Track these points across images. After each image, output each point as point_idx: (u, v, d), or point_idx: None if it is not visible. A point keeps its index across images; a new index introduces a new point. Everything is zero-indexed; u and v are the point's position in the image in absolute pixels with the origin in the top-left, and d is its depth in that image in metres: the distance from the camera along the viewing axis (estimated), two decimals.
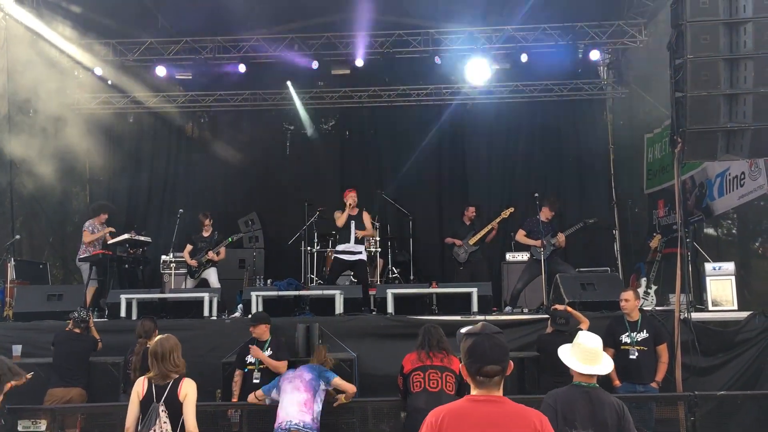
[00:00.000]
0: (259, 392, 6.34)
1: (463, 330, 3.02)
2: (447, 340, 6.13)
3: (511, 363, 2.86)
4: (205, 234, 10.55)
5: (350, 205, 9.67)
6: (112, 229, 10.45)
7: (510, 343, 7.97)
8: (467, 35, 12.04)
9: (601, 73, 13.78)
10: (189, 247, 10.41)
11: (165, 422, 4.63)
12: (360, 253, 9.71)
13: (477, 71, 12.33)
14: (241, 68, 12.42)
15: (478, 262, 10.70)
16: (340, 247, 9.79)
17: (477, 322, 8.18)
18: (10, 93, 10.83)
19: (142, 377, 4.88)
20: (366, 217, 9.78)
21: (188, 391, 4.78)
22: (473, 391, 2.88)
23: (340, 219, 9.72)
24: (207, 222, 10.60)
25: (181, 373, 4.84)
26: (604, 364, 4.21)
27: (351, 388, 6.38)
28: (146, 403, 4.71)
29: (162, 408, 4.65)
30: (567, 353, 4.26)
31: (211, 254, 10.26)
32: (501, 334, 2.91)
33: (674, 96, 7.27)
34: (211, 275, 10.32)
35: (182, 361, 4.91)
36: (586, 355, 4.17)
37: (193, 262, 10.27)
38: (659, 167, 11.75)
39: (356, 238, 9.64)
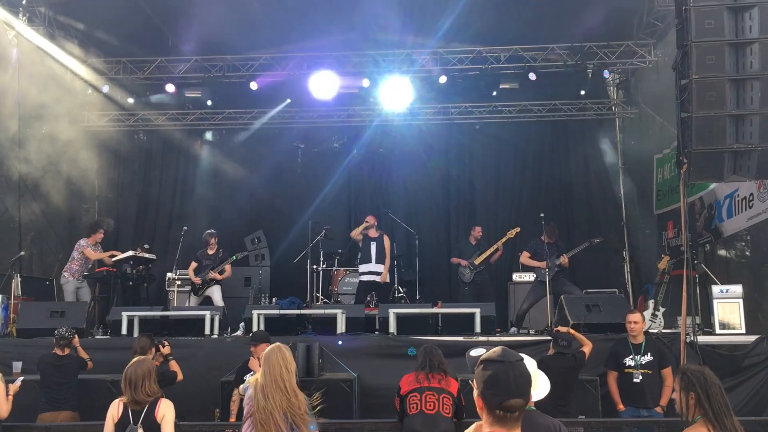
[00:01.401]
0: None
1: (474, 353, 2.74)
2: (446, 361, 6.05)
3: (532, 394, 2.53)
4: (210, 252, 10.54)
5: (364, 225, 10.37)
6: (115, 254, 10.35)
7: None
8: (475, 54, 12.04)
9: (611, 93, 13.73)
10: (194, 265, 10.43)
11: None
12: (381, 273, 10.25)
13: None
14: (252, 86, 12.47)
15: (484, 282, 10.63)
16: (362, 268, 10.34)
17: (480, 343, 8.13)
18: (21, 111, 10.92)
19: (117, 400, 4.80)
20: (386, 243, 10.43)
21: (166, 412, 4.72)
22: (487, 428, 2.46)
23: (355, 231, 10.59)
24: (212, 240, 10.61)
25: (157, 396, 4.77)
26: (538, 390, 3.98)
27: None
28: (121, 426, 4.64)
29: (140, 430, 4.58)
30: None
31: (213, 273, 10.25)
32: (522, 361, 2.52)
33: (680, 116, 7.19)
34: (215, 293, 10.29)
35: (155, 389, 4.81)
36: None
37: (197, 280, 10.26)
38: (668, 188, 11.63)
39: (377, 258, 10.26)
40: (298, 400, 4.35)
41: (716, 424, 3.70)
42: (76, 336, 7.49)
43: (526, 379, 2.45)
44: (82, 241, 10.32)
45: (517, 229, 10.45)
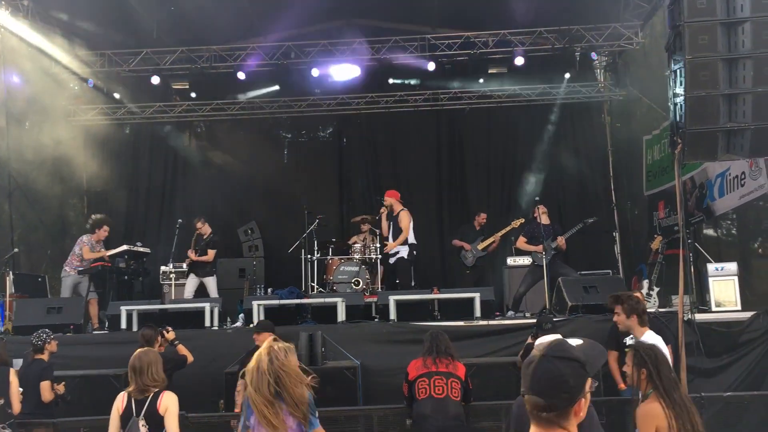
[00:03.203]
0: None
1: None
2: (453, 346, 6.10)
3: (582, 401, 2.06)
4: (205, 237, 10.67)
5: (382, 212, 10.23)
6: (107, 254, 10.23)
7: (510, 348, 7.85)
8: (463, 40, 12.04)
9: (598, 75, 13.80)
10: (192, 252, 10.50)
11: None
12: (396, 253, 10.01)
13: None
14: (240, 76, 12.42)
15: (485, 267, 10.71)
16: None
17: (480, 327, 8.15)
18: (8, 105, 10.79)
19: (122, 392, 4.77)
20: (402, 218, 9.98)
21: (169, 404, 4.66)
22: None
23: (384, 226, 10.33)
24: (199, 224, 10.65)
25: (161, 387, 4.74)
26: None
27: None
28: (126, 418, 4.60)
29: (142, 422, 4.56)
30: None
31: (191, 253, 10.37)
32: (570, 361, 2.06)
33: (673, 97, 7.26)
34: (210, 284, 10.31)
35: (162, 376, 4.77)
36: None
37: (192, 255, 10.36)
38: (658, 168, 11.73)
39: (393, 238, 10.02)
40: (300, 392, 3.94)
41: (666, 398, 4.04)
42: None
43: (553, 381, 2.03)
44: (84, 238, 10.30)
45: (522, 220, 10.45)
